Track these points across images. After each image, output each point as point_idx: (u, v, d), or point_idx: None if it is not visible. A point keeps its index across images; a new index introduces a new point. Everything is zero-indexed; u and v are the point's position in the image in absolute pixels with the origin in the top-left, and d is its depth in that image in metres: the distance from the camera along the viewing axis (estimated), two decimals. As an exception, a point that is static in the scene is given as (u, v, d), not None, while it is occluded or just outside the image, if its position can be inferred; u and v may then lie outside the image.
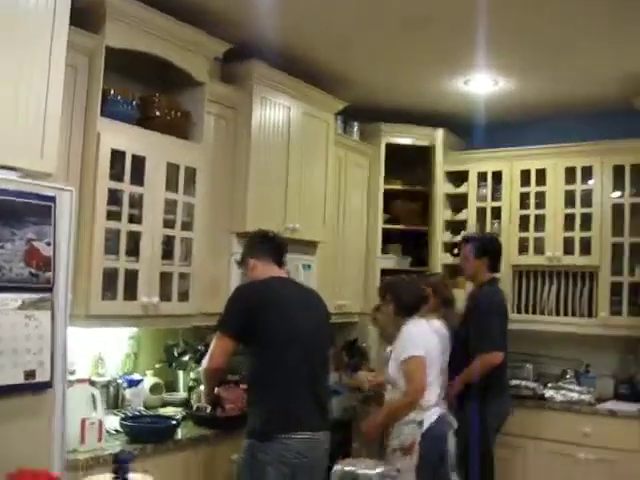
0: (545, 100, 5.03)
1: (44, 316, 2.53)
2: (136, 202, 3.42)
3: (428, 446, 3.43)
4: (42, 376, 2.51)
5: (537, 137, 5.24)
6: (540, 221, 5.10)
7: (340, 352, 5.20)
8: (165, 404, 3.91)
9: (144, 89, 3.65)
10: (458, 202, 5.55)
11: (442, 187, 5.53)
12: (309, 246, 4.58)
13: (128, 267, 3.36)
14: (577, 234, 4.93)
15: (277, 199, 4.29)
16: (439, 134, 5.47)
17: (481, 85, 4.77)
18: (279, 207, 4.30)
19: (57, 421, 2.59)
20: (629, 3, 3.37)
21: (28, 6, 2.67)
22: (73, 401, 2.82)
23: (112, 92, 3.33)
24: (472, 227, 5.35)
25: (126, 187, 3.35)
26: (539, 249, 5.07)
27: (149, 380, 3.91)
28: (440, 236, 5.50)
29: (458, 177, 5.56)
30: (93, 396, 3.11)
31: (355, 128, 5.33)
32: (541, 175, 5.10)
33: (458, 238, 5.41)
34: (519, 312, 5.02)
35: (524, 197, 5.19)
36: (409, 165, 5.56)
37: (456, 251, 5.43)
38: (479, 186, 5.40)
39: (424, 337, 3.62)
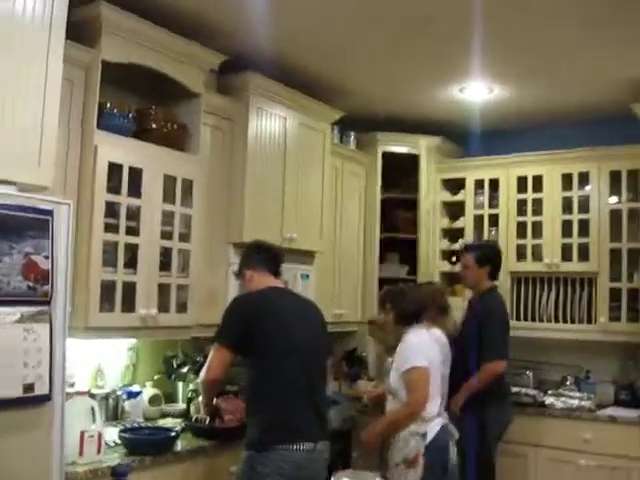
0: (541, 107, 5.05)
1: (42, 329, 2.53)
2: (133, 214, 3.43)
3: (432, 458, 3.39)
4: (41, 389, 2.51)
5: (533, 144, 5.25)
6: (538, 228, 5.10)
7: (339, 362, 5.20)
8: (164, 415, 3.91)
9: (140, 102, 3.67)
10: (455, 210, 5.56)
11: (429, 195, 5.52)
12: (307, 256, 4.59)
13: (126, 279, 3.37)
14: (575, 240, 4.94)
15: (274, 209, 4.30)
16: (423, 142, 5.45)
17: (476, 93, 4.79)
18: (276, 217, 4.31)
19: (56, 434, 2.59)
20: (625, 10, 3.38)
21: (24, 21, 2.70)
22: (72, 413, 2.83)
23: (108, 105, 3.35)
24: (470, 235, 5.36)
25: (123, 199, 3.36)
26: (537, 256, 5.08)
27: (148, 391, 3.90)
28: (429, 244, 5.51)
29: (455, 185, 5.57)
30: (92, 408, 3.10)
31: (352, 137, 5.34)
32: (538, 182, 5.11)
33: (456, 246, 5.44)
34: (518, 319, 5.01)
35: (521, 204, 5.20)
36: (405, 174, 5.56)
37: (454, 259, 5.45)
38: (476, 193, 5.42)
39: (426, 347, 3.58)
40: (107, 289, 3.29)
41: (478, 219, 5.38)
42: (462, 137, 5.63)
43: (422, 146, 5.43)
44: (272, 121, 4.30)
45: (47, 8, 2.76)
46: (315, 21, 3.72)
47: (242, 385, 3.41)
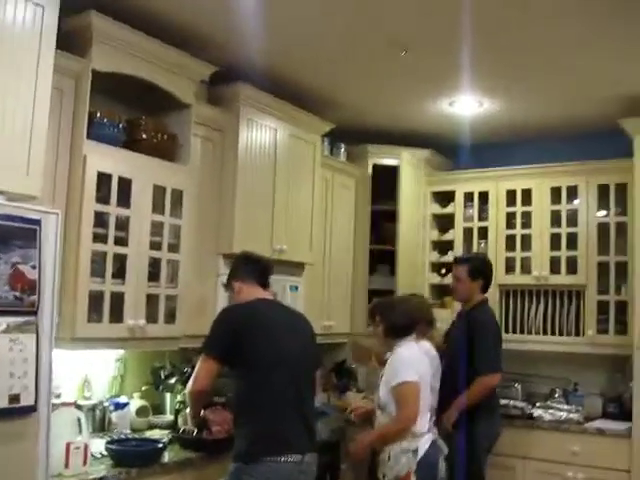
0: (530, 121, 5.08)
1: (29, 339, 2.52)
2: (122, 224, 3.42)
3: (423, 474, 3.36)
4: (26, 400, 2.50)
5: (523, 157, 5.28)
6: (526, 241, 5.12)
7: (329, 373, 5.19)
8: (152, 427, 3.88)
9: (130, 112, 3.67)
10: (445, 222, 5.58)
11: (416, 207, 5.50)
12: (296, 267, 4.58)
13: (114, 289, 3.36)
14: (563, 253, 4.96)
15: (264, 220, 4.30)
16: (405, 155, 5.40)
17: (466, 107, 4.81)
18: (266, 228, 4.31)
19: (41, 445, 2.57)
20: (613, 25, 3.41)
21: (14, 30, 2.70)
22: (58, 425, 2.81)
23: (98, 115, 3.35)
24: (459, 247, 5.37)
25: (112, 209, 3.35)
26: (526, 268, 5.10)
27: (136, 403, 3.88)
28: (418, 256, 5.50)
29: (445, 197, 5.59)
30: (78, 419, 3.08)
31: (342, 149, 5.35)
32: (527, 195, 5.14)
33: (446, 258, 5.45)
34: (507, 332, 5.01)
35: (510, 217, 5.22)
36: (396, 186, 5.55)
37: (444, 271, 5.46)
38: (466, 206, 5.44)
39: (416, 361, 3.54)
40: (95, 299, 3.27)
41: (467, 232, 5.40)
42: (452, 150, 5.65)
43: (403, 158, 5.39)
44: (263, 132, 4.31)
45: (37, 17, 2.78)
46: (306, 34, 3.74)
47: (230, 396, 3.39)
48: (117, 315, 3.37)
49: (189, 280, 3.79)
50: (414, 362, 3.52)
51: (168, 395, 4.06)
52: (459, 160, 5.68)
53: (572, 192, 4.99)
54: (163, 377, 3.99)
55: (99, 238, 3.30)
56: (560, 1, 3.20)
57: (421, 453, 3.39)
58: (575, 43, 3.68)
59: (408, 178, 5.43)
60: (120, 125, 3.49)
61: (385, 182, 5.40)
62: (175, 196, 3.68)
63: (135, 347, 3.69)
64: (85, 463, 2.97)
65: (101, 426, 3.66)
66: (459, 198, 5.46)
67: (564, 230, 4.98)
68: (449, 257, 5.39)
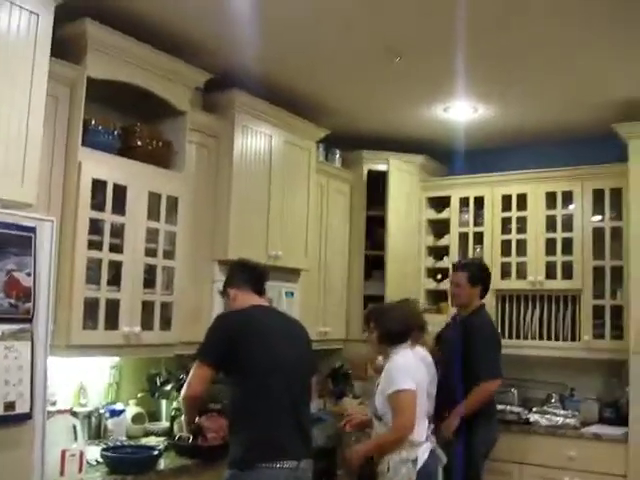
0: (525, 126, 5.10)
1: (24, 347, 2.52)
2: (118, 231, 3.42)
3: None
4: (22, 407, 2.49)
5: (518, 163, 5.29)
6: (522, 246, 5.13)
7: (325, 379, 5.19)
8: (148, 434, 3.88)
9: (125, 119, 3.67)
10: (440, 227, 5.59)
11: (410, 212, 5.49)
12: (292, 273, 4.59)
13: (109, 296, 3.36)
14: (559, 258, 4.97)
15: (259, 227, 4.30)
16: (393, 161, 5.39)
17: (461, 112, 4.83)
18: (261, 235, 4.31)
19: (36, 452, 2.57)
20: (611, 27, 3.42)
21: (9, 37, 2.71)
22: (53, 432, 2.80)
23: (93, 122, 3.35)
24: (455, 252, 5.37)
25: (107, 216, 3.35)
26: (521, 273, 5.10)
27: (131, 410, 3.88)
28: (413, 262, 5.49)
29: (440, 203, 5.60)
30: (74, 427, 3.07)
31: (337, 155, 5.37)
32: (522, 200, 5.15)
33: (441, 264, 5.46)
34: (503, 337, 4.95)
35: (506, 222, 5.23)
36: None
37: (439, 276, 5.46)
38: (461, 211, 5.44)
39: (412, 368, 3.48)
40: (90, 306, 3.27)
41: (463, 237, 5.41)
42: (447, 156, 5.68)
43: (391, 164, 5.38)
44: (258, 139, 4.31)
45: (32, 25, 2.78)
46: (300, 41, 3.75)
47: (225, 403, 3.39)
48: (112, 322, 3.37)
49: (184, 287, 3.79)
50: (410, 369, 3.46)
51: (164, 402, 4.05)
52: (454, 166, 5.70)
53: (567, 197, 5.01)
54: (159, 384, 3.98)
55: (94, 245, 3.30)
56: (557, 3, 3.20)
57: (420, 463, 3.34)
58: (571, 47, 3.68)
59: (397, 183, 5.41)
60: (115, 132, 3.49)
61: (381, 188, 5.40)
62: (170, 203, 3.68)
63: (131, 354, 3.68)
64: (81, 470, 2.96)
65: (97, 433, 3.66)
66: (454, 203, 5.47)
67: (559, 235, 4.99)
68: (445, 262, 5.41)
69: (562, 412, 4.77)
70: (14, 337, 2.48)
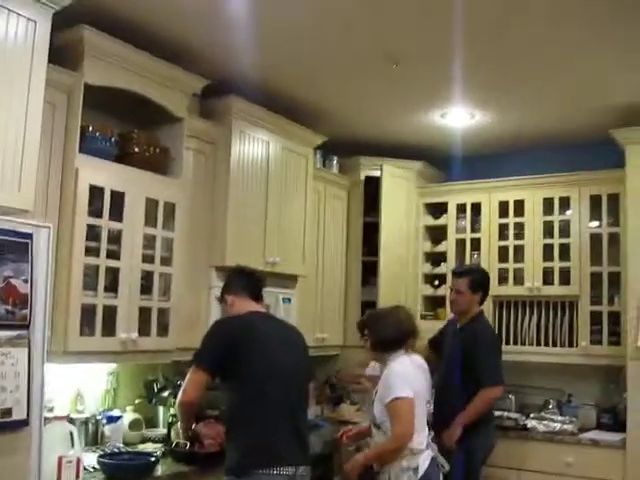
0: (522, 132, 5.11)
1: (21, 353, 2.52)
2: (115, 238, 3.42)
3: None
4: (19, 414, 2.49)
5: (515, 168, 5.30)
6: (519, 252, 5.13)
7: (323, 385, 5.18)
8: (145, 440, 3.87)
9: (123, 125, 3.68)
10: (438, 234, 5.59)
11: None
12: (289, 279, 4.59)
13: (106, 303, 3.36)
14: (556, 264, 4.97)
15: (256, 233, 4.31)
16: (386, 167, 5.35)
17: (458, 119, 4.84)
18: (258, 241, 4.31)
19: (34, 459, 2.57)
20: (612, 31, 3.42)
21: (6, 44, 2.71)
22: (50, 438, 2.79)
23: (90, 129, 3.36)
24: (452, 258, 5.37)
25: (105, 223, 3.35)
26: (519, 279, 5.10)
27: (129, 416, 3.87)
28: (410, 268, 5.49)
29: (437, 209, 5.61)
30: (71, 433, 3.06)
31: (334, 162, 5.38)
32: (519, 206, 5.15)
33: (438, 270, 5.46)
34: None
35: (503, 228, 5.23)
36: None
37: (437, 282, 5.46)
38: (458, 218, 5.45)
39: (410, 375, 3.42)
40: (87, 313, 3.27)
41: (460, 243, 5.41)
42: (444, 162, 5.68)
43: (385, 170, 5.35)
44: (255, 145, 4.32)
45: (29, 32, 2.78)
46: (297, 48, 3.76)
47: (222, 410, 3.38)
48: (109, 328, 3.37)
49: (182, 293, 3.79)
50: (408, 377, 3.40)
51: (161, 408, 4.05)
52: (451, 172, 5.70)
53: (564, 203, 5.01)
54: (156, 390, 3.98)
55: (91, 251, 3.30)
56: (557, 7, 3.20)
57: (421, 471, 3.29)
58: (570, 51, 3.68)
59: (391, 189, 5.39)
60: (112, 139, 3.49)
61: (377, 194, 5.40)
62: (167, 209, 3.69)
63: (128, 360, 3.68)
64: (77, 477, 2.95)
65: (94, 440, 3.65)
66: (451, 209, 5.47)
67: (557, 241, 5.00)
68: (442, 269, 5.41)
69: (560, 418, 4.76)
70: (11, 344, 2.48)
